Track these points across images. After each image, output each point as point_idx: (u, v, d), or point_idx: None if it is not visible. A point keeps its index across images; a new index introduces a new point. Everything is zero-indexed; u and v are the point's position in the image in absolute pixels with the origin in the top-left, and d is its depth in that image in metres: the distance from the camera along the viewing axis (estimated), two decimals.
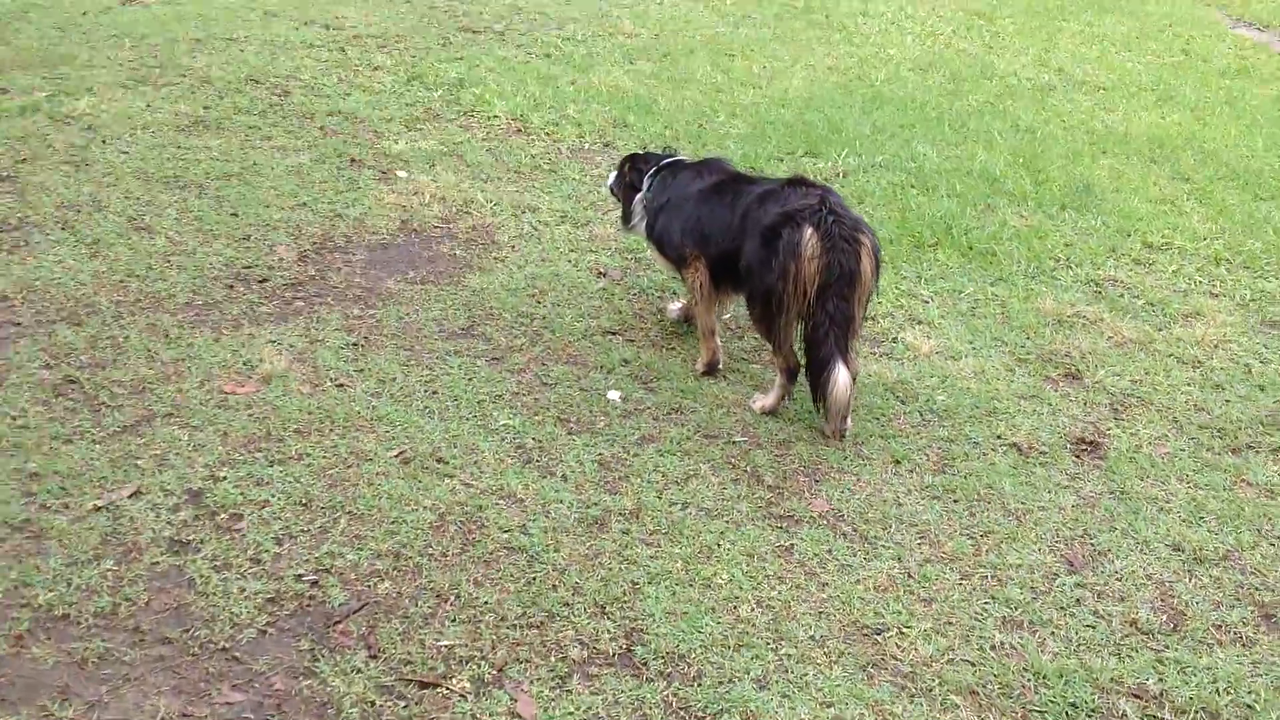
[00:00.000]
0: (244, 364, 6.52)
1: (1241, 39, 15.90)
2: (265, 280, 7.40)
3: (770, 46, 13.36)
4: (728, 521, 5.70)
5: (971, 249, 8.77)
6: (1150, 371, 7.37)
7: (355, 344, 6.86)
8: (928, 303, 8.01)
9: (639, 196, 7.41)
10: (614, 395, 6.60)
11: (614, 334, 7.29)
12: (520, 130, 10.19)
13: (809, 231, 5.91)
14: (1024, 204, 9.65)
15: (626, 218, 7.56)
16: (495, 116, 10.34)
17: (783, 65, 12.68)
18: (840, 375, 6.13)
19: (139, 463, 5.67)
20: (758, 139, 10.33)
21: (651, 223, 7.24)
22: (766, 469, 6.13)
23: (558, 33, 12.97)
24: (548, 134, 10.13)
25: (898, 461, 6.31)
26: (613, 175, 7.79)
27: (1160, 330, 7.93)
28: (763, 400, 6.62)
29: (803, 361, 6.39)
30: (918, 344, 7.45)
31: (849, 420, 6.43)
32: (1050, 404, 6.96)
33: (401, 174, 9.07)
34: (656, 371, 6.92)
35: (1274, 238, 9.40)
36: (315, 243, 7.93)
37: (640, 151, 7.95)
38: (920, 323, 7.74)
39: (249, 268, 7.50)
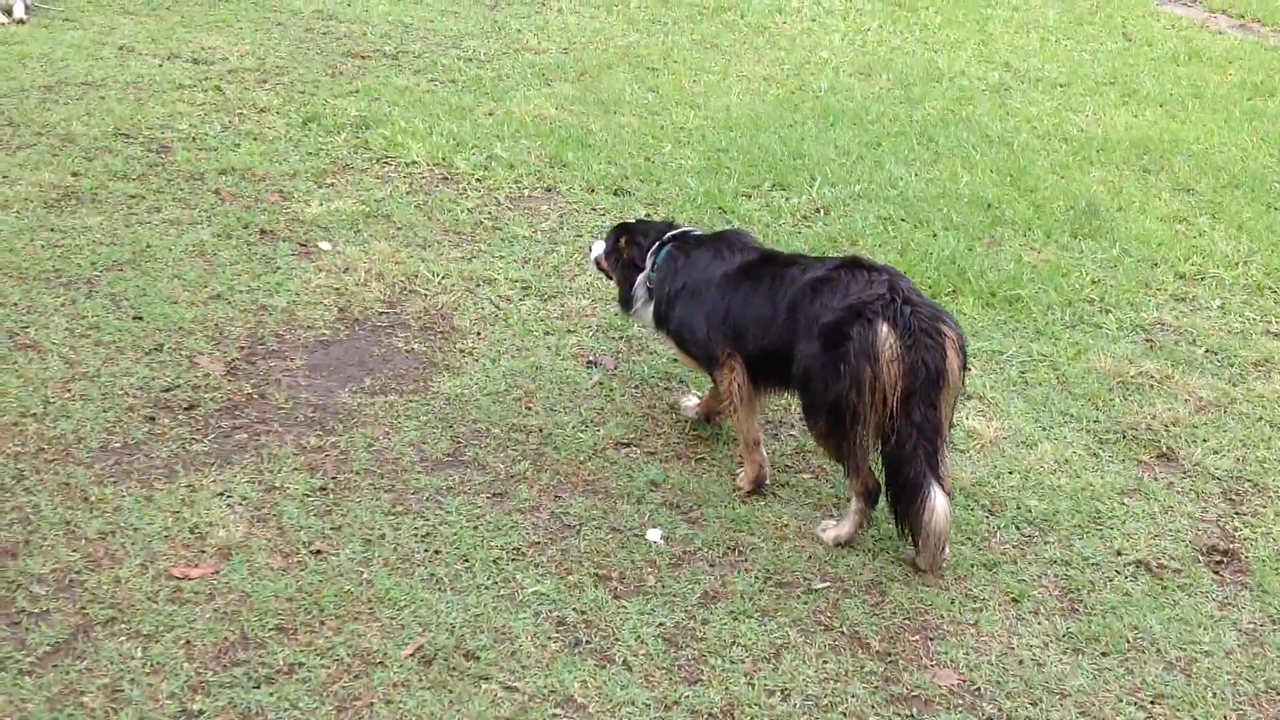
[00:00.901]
0: (191, 532, 5.29)
1: (1174, 17, 15.40)
2: (193, 407, 6.13)
3: (692, 55, 12.34)
4: (845, 714, 4.66)
5: (994, 295, 7.89)
6: (1248, 443, 6.59)
7: (323, 488, 5.66)
8: (970, 370, 7.05)
9: (642, 277, 6.35)
10: (655, 536, 5.54)
11: (628, 445, 6.21)
12: (447, 178, 8.99)
13: (884, 328, 5.12)
14: (1030, 234, 8.83)
15: (627, 302, 6.51)
16: (414, 162, 9.12)
17: (714, 78, 11.67)
18: (937, 501, 5.24)
19: (84, 701, 4.41)
20: (715, 172, 9.33)
21: (663, 311, 6.22)
22: (866, 627, 5.15)
23: (456, 52, 11.76)
24: (479, 180, 8.95)
25: (1016, 600, 5.37)
26: (598, 246, 6.74)
27: (1235, 386, 7.16)
28: (835, 529, 5.63)
29: (881, 480, 5.47)
30: (980, 429, 6.53)
31: (946, 549, 5.44)
32: (1157, 500, 6.10)
33: (324, 246, 7.82)
34: (694, 495, 5.86)
35: None
36: (242, 347, 6.65)
37: (633, 221, 6.91)
38: (971, 398, 6.78)
39: (169, 390, 6.21)
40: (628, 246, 6.45)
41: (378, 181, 8.80)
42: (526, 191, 8.94)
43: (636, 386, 6.76)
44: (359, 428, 6.13)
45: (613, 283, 6.83)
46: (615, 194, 8.94)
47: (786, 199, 9.08)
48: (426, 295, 7.41)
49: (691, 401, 6.52)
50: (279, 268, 7.50)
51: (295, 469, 5.78)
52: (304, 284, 7.34)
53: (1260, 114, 11.73)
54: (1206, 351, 7.55)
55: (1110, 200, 9.52)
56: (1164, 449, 6.55)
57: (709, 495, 5.91)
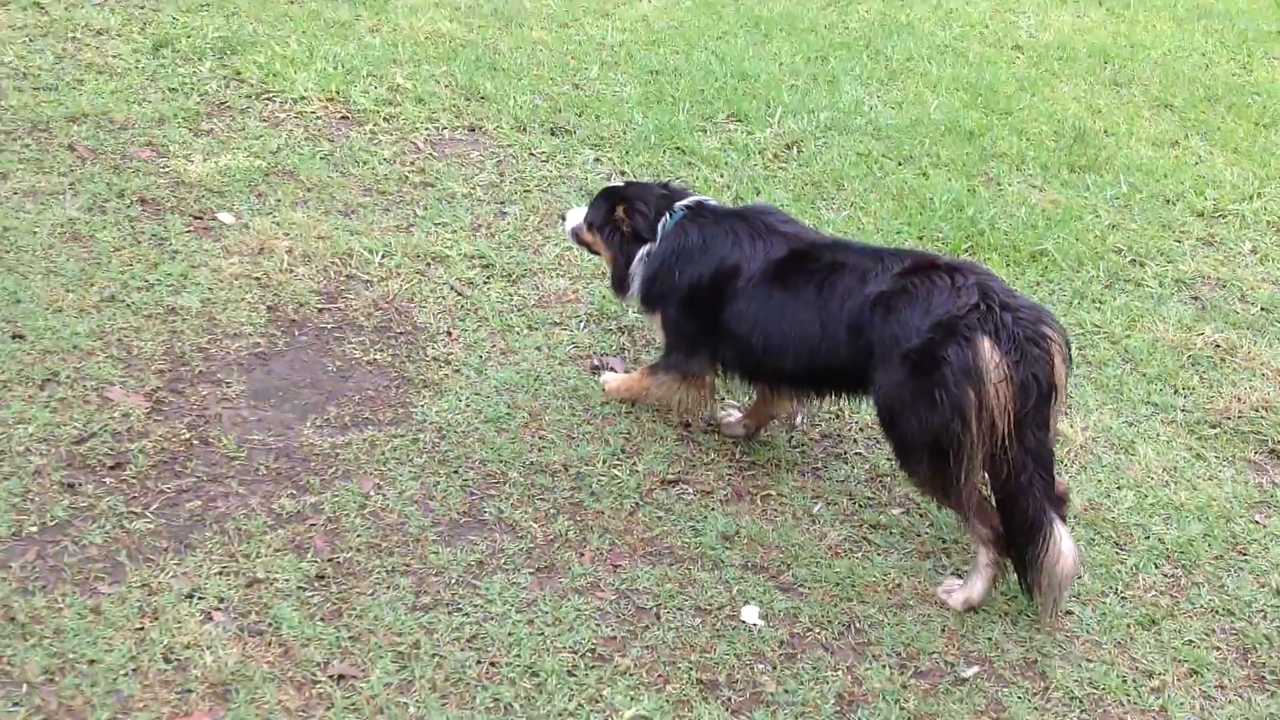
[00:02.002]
0: (167, 660, 4.16)
1: None
2: (120, 465, 4.88)
3: None
4: None
5: (1018, 251, 7.08)
6: None
7: (320, 575, 4.52)
8: None
9: (643, 252, 5.36)
10: (752, 616, 4.61)
11: (676, 483, 5.24)
12: (347, 117, 7.66)
13: (986, 344, 4.41)
14: (1025, 168, 8.09)
15: (623, 284, 5.53)
16: (303, 97, 7.74)
17: None
18: (1064, 544, 4.55)
19: None
20: (659, 102, 8.27)
21: (658, 291, 5.37)
22: None
23: None
24: (387, 119, 7.65)
25: (1196, 672, 4.59)
26: (575, 214, 5.76)
27: None
28: (964, 591, 4.81)
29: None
30: (1064, 429, 5.70)
31: (1066, 593, 4.72)
32: None
33: (226, 218, 6.48)
34: (777, 549, 4.96)
35: None
36: (161, 370, 5.38)
37: (623, 184, 5.92)
38: None
39: (83, 442, 4.94)
40: (628, 216, 5.46)
41: (266, 126, 7.41)
42: (447, 133, 7.67)
43: None
44: (341, 481, 4.95)
45: (593, 257, 5.93)
46: (552, 133, 7.76)
47: (749, 133, 8.03)
48: (371, 282, 6.17)
49: (734, 416, 5.54)
50: (177, 252, 6.14)
51: (277, 549, 4.60)
52: (215, 274, 6.02)
53: (1206, 11, 11.15)
54: (1261, 310, 6.93)
55: (1093, 122, 8.79)
56: (1271, 444, 5.90)
57: (794, 548, 4.97)
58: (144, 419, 5.12)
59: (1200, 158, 8.51)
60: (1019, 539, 4.60)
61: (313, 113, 7.63)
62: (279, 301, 5.93)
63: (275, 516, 4.76)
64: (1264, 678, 4.66)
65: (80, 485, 4.77)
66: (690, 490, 5.19)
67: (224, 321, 5.75)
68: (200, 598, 4.38)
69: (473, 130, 7.77)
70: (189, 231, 6.34)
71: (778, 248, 5.10)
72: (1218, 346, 6.51)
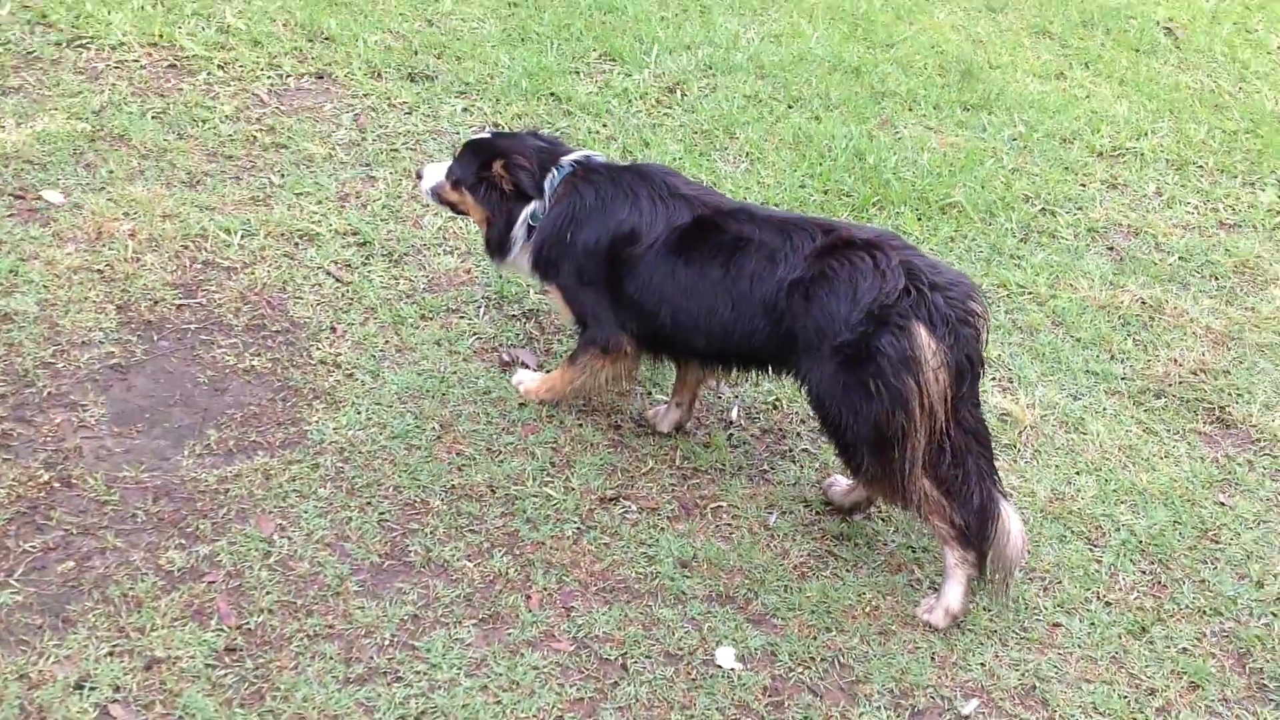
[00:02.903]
0: None
1: None
2: None
3: None
4: None
5: (927, 203, 6.73)
6: None
7: (231, 649, 3.93)
8: None
9: (526, 212, 4.95)
10: (727, 658, 4.24)
11: (618, 500, 4.75)
12: (175, 66, 6.85)
13: (924, 333, 4.26)
14: (918, 108, 7.76)
15: (503, 247, 5.07)
16: (122, 44, 6.90)
17: None
18: (1013, 523, 4.48)
19: None
20: (524, 41, 7.67)
21: (553, 256, 4.94)
22: None
23: None
24: (222, 68, 6.87)
25: (1197, 685, 4.37)
26: (434, 170, 5.28)
27: (1232, 306, 6.45)
28: (943, 604, 4.51)
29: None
30: (1010, 408, 5.44)
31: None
32: (1256, 494, 5.27)
33: (53, 197, 5.70)
34: (741, 574, 4.59)
35: (1207, 116, 8.25)
36: (2, 395, 4.67)
37: (491, 136, 5.33)
38: None
39: None
40: (508, 171, 4.96)
41: (84, 80, 6.56)
42: (292, 82, 6.93)
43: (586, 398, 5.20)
44: (236, 524, 4.34)
45: (458, 218, 5.51)
46: (411, 79, 7.09)
47: (627, 75, 7.48)
48: (233, 269, 5.49)
49: (664, 413, 5.05)
50: (1, 243, 5.33)
51: (174, 618, 4.00)
52: (49, 268, 5.26)
53: None
54: (1179, 260, 6.77)
55: (976, 54, 8.49)
56: (1215, 412, 5.77)
57: (757, 570, 4.58)
58: None
59: (1088, 90, 8.29)
60: (971, 523, 4.44)
61: (135, 61, 6.79)
62: (129, 299, 5.21)
63: (165, 575, 4.14)
64: (1265, 685, 4.47)
65: None
66: (634, 508, 4.72)
67: (68, 328, 5.01)
68: (92, 687, 3.76)
69: (321, 78, 7.03)
70: (10, 215, 5.55)
71: (681, 213, 4.76)
72: (1144, 304, 6.30)
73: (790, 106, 7.49)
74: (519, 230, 5.00)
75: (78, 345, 4.96)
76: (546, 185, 4.96)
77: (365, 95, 6.88)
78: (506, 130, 6.13)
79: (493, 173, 5.00)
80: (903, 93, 7.81)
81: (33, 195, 5.69)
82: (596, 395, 5.09)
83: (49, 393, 4.73)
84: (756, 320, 4.54)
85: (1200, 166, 7.64)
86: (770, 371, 4.80)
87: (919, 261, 4.40)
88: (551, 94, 7.18)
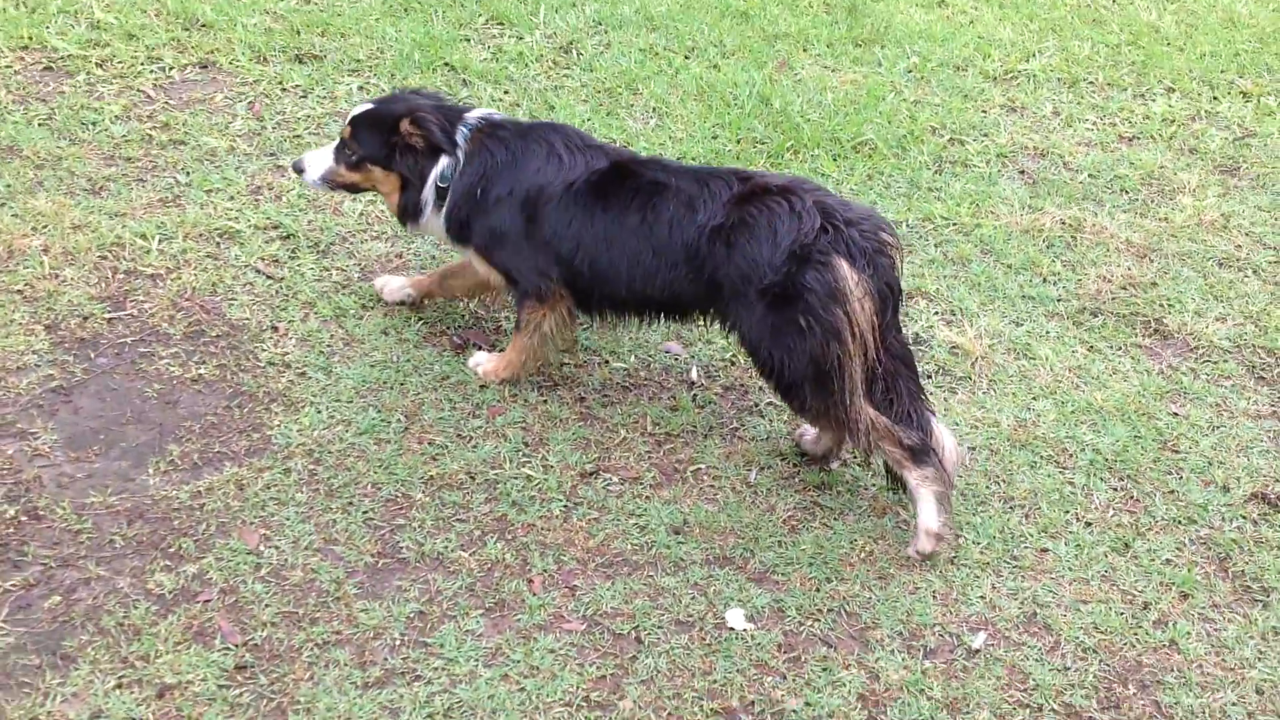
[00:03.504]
0: None
1: None
2: None
3: None
4: None
5: (838, 142, 6.85)
6: (1221, 296, 6.14)
7: (241, 667, 3.95)
8: None
9: (435, 172, 5.00)
10: (737, 619, 4.33)
11: (598, 474, 4.80)
12: (52, 68, 6.66)
13: (844, 265, 4.47)
14: (811, 48, 7.88)
15: (415, 210, 5.08)
16: None
17: None
18: (946, 436, 4.67)
19: None
20: (406, 11, 7.56)
21: (465, 216, 5.01)
22: (1077, 693, 4.18)
23: None
24: (101, 66, 6.69)
25: (1188, 595, 4.59)
26: (319, 157, 5.22)
27: (1146, 218, 6.69)
28: (923, 529, 4.60)
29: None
30: (959, 341, 5.62)
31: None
32: (1204, 402, 5.56)
33: None
34: (735, 535, 4.68)
35: (1089, 32, 8.46)
36: None
37: (376, 101, 5.31)
38: (912, 296, 5.82)
39: None
40: (417, 126, 4.94)
41: None
42: (176, 74, 6.76)
43: (536, 370, 5.21)
44: (219, 539, 4.29)
45: (354, 195, 5.58)
46: (299, 61, 6.97)
47: (519, 38, 7.46)
48: (158, 276, 5.38)
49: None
50: None
51: (177, 642, 3.95)
52: None
53: None
54: (1089, 178, 6.98)
55: None
56: (1152, 324, 5.97)
57: (749, 529, 4.66)
58: None
59: (970, 16, 8.47)
60: (920, 442, 4.59)
61: (8, 67, 6.58)
62: (56, 318, 5.08)
63: (157, 599, 4.07)
64: (1249, 587, 4.66)
65: None
66: (615, 479, 4.76)
67: None
68: None
69: (205, 67, 6.87)
70: None
71: (598, 159, 4.91)
72: (1064, 224, 6.49)
73: (687, 57, 7.52)
74: (429, 191, 5.00)
75: (12, 371, 4.82)
76: (458, 139, 4.96)
77: (255, 81, 6.74)
78: (377, 97, 5.99)
79: (402, 133, 4.96)
80: (794, 34, 7.89)
81: None
82: (550, 355, 5.10)
83: None
84: (679, 267, 4.68)
85: (1090, 83, 7.85)
86: (692, 320, 4.99)
87: (831, 200, 4.62)
88: (446, 64, 7.12)
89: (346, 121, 5.14)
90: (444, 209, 5.00)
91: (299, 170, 5.22)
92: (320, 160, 5.14)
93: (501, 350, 5.15)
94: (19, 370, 4.82)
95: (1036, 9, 8.62)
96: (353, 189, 5.24)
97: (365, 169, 5.07)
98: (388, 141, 4.99)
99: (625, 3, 7.94)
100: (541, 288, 4.92)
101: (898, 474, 4.64)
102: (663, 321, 5.05)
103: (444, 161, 4.96)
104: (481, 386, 5.05)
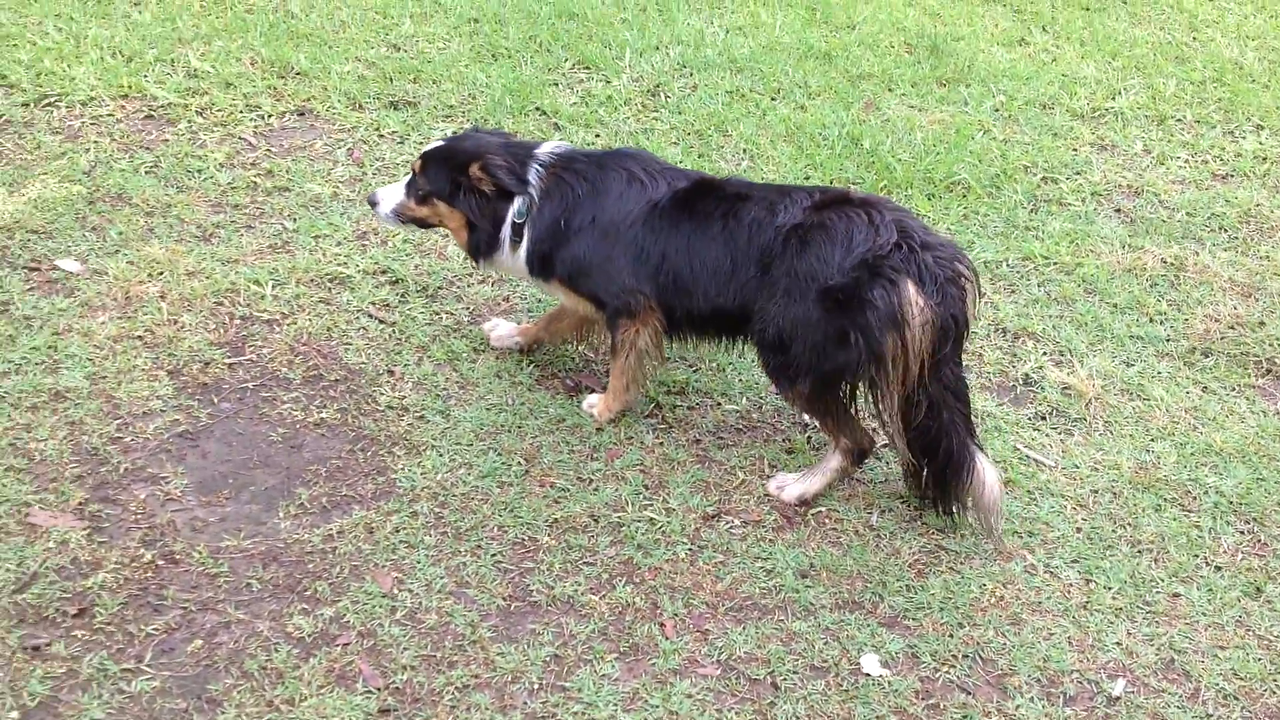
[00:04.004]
0: None
1: None
2: (85, 611, 4.23)
3: None
4: None
5: (932, 181, 6.90)
6: None
7: (385, 711, 4.02)
8: (985, 295, 6.11)
9: (514, 210, 5.08)
10: (873, 665, 4.39)
11: (719, 516, 4.91)
12: (153, 116, 6.79)
13: (911, 289, 4.49)
14: (896, 88, 7.95)
15: (488, 246, 5.17)
16: (92, 99, 6.82)
17: None
18: (988, 473, 4.72)
19: None
20: (495, 57, 7.72)
21: (548, 250, 5.06)
22: None
23: None
24: (201, 114, 6.83)
25: None
26: (391, 192, 5.32)
27: (1248, 256, 6.72)
28: (799, 485, 4.95)
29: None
30: (1070, 381, 5.65)
31: (1000, 521, 4.85)
32: None
33: (69, 265, 5.66)
34: (858, 577, 4.74)
35: (1173, 69, 8.51)
36: (79, 476, 4.67)
37: (446, 140, 5.42)
38: (1019, 336, 5.85)
39: (27, 589, 4.25)
40: (486, 172, 5.03)
41: (63, 140, 6.47)
42: (275, 121, 6.89)
43: (649, 411, 5.28)
44: (353, 581, 4.37)
45: (422, 231, 5.64)
46: (394, 108, 7.10)
47: (606, 81, 7.56)
48: (274, 321, 5.47)
49: (505, 328, 5.41)
50: (29, 318, 5.30)
51: (320, 685, 4.02)
52: (88, 340, 5.21)
53: None
54: (1187, 215, 7.01)
55: (936, 28, 8.66)
56: (1265, 365, 5.98)
57: (875, 573, 4.71)
58: (86, 544, 4.37)
59: (1053, 54, 8.53)
60: (946, 474, 4.71)
61: (110, 116, 6.72)
62: (178, 363, 5.18)
63: (297, 642, 4.14)
64: None
65: (47, 646, 4.01)
66: (737, 522, 4.81)
67: (125, 399, 4.97)
68: None
69: (303, 114, 7.00)
70: (31, 289, 5.47)
71: (678, 180, 5.01)
72: (1166, 263, 6.53)
73: (773, 99, 7.60)
74: (506, 231, 5.09)
75: (140, 416, 4.91)
76: (530, 179, 5.05)
77: (352, 128, 6.86)
78: (445, 136, 6.09)
79: (470, 176, 5.05)
80: (878, 74, 7.96)
81: (48, 266, 5.62)
82: (649, 372, 5.17)
83: (125, 469, 4.69)
84: (751, 268, 4.72)
85: (1178, 120, 7.89)
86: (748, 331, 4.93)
87: (911, 223, 4.63)
88: (537, 108, 7.22)
89: (418, 157, 5.25)
90: (522, 246, 5.08)
91: (373, 204, 5.33)
92: (393, 195, 5.26)
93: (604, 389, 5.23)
94: (145, 416, 4.91)
95: (1119, 47, 8.66)
96: (422, 224, 5.32)
97: (432, 204, 5.18)
98: (454, 180, 5.09)
99: (708, 46, 8.04)
100: (631, 303, 4.99)
101: (830, 448, 4.90)
102: (734, 340, 5.07)
103: (518, 201, 5.04)
104: (598, 430, 5.12)
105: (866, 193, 4.85)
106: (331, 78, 7.22)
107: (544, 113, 7.20)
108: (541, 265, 5.10)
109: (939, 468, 4.73)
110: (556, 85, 7.49)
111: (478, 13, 8.16)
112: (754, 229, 4.75)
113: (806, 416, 5.22)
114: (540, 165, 5.08)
